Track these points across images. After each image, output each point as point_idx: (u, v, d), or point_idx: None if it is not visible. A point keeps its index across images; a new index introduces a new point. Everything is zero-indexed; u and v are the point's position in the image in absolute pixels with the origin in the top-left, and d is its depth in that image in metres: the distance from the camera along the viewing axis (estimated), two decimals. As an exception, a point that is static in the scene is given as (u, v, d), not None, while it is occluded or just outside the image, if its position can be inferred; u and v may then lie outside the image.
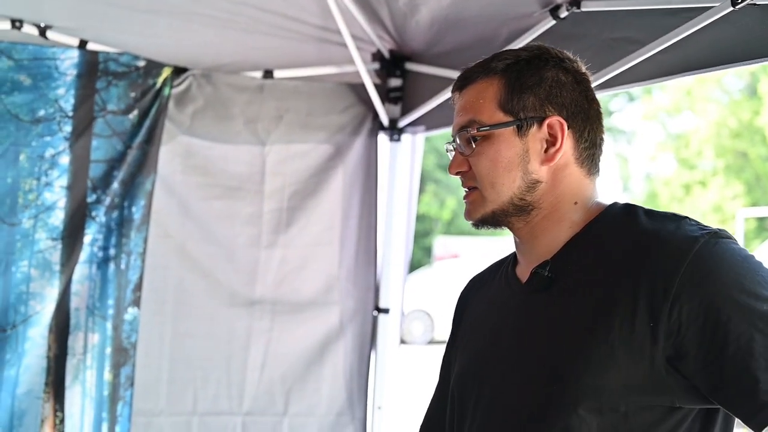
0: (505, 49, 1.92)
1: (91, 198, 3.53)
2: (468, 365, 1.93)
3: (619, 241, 1.68)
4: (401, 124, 4.20)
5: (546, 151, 1.75)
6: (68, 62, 3.49)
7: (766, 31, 2.31)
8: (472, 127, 1.79)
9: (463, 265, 21.45)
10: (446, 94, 3.77)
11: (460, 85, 1.88)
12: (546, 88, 1.77)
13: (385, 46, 4.06)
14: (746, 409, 1.46)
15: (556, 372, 1.64)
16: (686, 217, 1.66)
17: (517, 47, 3.10)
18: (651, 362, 1.53)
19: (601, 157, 1.86)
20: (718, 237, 1.57)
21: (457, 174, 1.88)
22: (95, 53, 3.56)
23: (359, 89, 4.14)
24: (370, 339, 4.19)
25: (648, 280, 1.55)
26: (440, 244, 27.90)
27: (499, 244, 26.02)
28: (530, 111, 1.76)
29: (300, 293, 4.10)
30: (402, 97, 4.24)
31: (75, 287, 3.49)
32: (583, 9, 2.85)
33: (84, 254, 3.52)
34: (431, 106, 3.95)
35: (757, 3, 2.23)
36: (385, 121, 4.19)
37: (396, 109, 4.24)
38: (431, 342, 19.04)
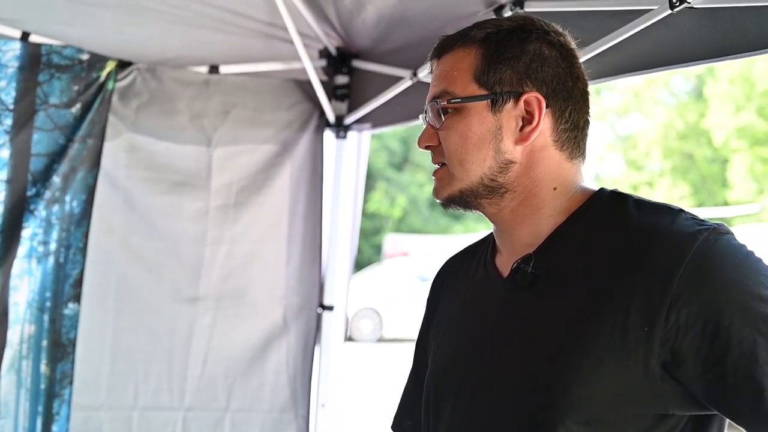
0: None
1: (31, 192, 3.48)
2: (445, 366, 1.80)
3: (609, 235, 1.57)
4: (348, 121, 4.21)
5: (521, 129, 1.63)
6: (10, 54, 3.44)
7: (704, 34, 2.34)
8: (444, 98, 1.68)
9: (412, 263, 21.51)
10: (393, 92, 3.79)
11: (437, 53, 1.76)
12: (526, 61, 1.64)
13: (332, 44, 4.06)
14: (751, 419, 1.37)
15: (541, 381, 1.52)
16: (681, 210, 1.54)
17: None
18: (645, 369, 1.42)
19: (586, 141, 1.73)
20: (718, 233, 1.46)
21: (426, 148, 1.75)
22: (38, 45, 3.51)
23: (306, 86, 4.13)
24: (314, 336, 4.18)
25: (643, 280, 1.44)
26: (390, 241, 27.94)
27: (449, 242, 26.15)
28: (506, 85, 1.63)
29: (245, 289, 4.07)
30: (348, 95, 4.24)
31: (14, 282, 3.44)
32: (527, 9, 2.87)
33: (23, 249, 3.47)
34: (378, 104, 3.96)
35: (695, 6, 2.26)
36: (331, 118, 4.19)
37: (342, 107, 4.24)
38: (380, 340, 19.06)
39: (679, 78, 28.29)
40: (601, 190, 1.68)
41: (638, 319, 1.42)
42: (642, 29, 2.45)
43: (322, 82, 4.09)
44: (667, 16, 2.35)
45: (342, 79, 4.23)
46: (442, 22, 3.35)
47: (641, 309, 1.42)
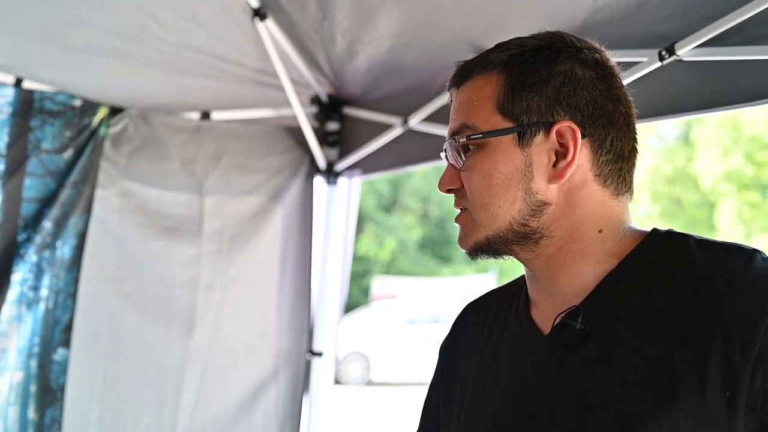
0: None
1: (21, 237, 3.47)
2: None
3: (671, 283, 1.34)
4: (338, 167, 4.22)
5: (555, 165, 1.42)
6: (2, 100, 3.45)
7: (693, 86, 2.37)
8: (463, 134, 1.47)
9: (401, 305, 21.47)
10: (383, 139, 3.81)
11: (456, 81, 1.55)
12: (555, 85, 1.43)
13: (323, 90, 4.09)
14: None
15: None
16: (756, 251, 1.32)
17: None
18: None
19: (633, 173, 1.52)
20: None
21: (448, 191, 1.55)
22: (30, 91, 3.51)
23: (297, 132, 4.14)
24: (303, 383, 4.15)
25: (720, 336, 1.22)
26: (379, 284, 27.90)
27: (438, 285, 26.13)
28: (534, 115, 1.42)
29: (236, 336, 4.04)
30: (339, 141, 4.26)
31: (3, 327, 3.42)
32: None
33: (13, 294, 3.46)
34: (368, 151, 3.98)
35: (684, 59, 2.30)
36: (322, 164, 4.20)
37: (333, 153, 4.26)
38: (368, 384, 18.96)
39: (667, 123, 28.47)
40: (655, 230, 1.46)
41: (717, 383, 1.21)
42: (632, 81, 2.48)
43: (313, 129, 4.11)
44: (656, 68, 2.39)
45: (333, 126, 4.24)
46: (433, 70, 3.39)
47: (720, 371, 1.21)
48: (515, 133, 1.43)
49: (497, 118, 1.45)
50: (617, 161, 1.46)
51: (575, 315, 1.40)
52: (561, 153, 1.42)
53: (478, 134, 1.45)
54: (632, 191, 1.51)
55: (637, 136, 1.52)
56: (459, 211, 1.54)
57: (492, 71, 1.48)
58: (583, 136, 1.42)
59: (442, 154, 1.55)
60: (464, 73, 1.53)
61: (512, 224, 1.44)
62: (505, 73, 1.46)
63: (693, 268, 1.33)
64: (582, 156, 1.43)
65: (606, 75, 1.48)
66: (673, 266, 1.36)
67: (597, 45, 1.52)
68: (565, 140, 1.41)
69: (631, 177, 1.50)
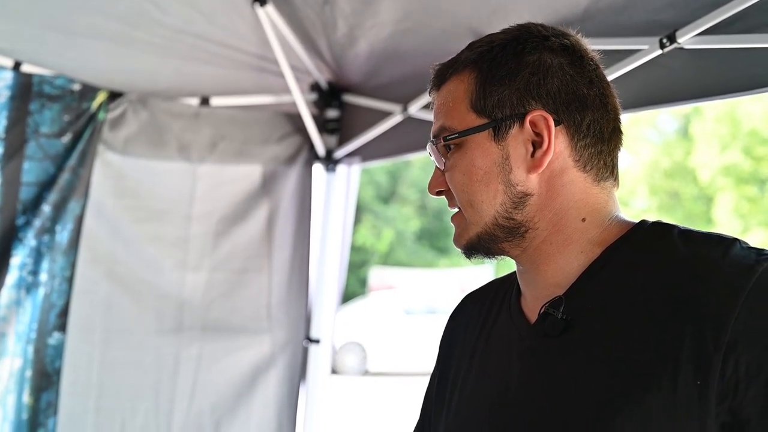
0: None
1: (20, 221, 3.47)
2: (467, 421, 1.57)
3: (650, 272, 1.34)
4: (337, 155, 4.21)
5: (533, 155, 1.42)
6: (1, 84, 3.44)
7: (694, 74, 2.37)
8: (441, 136, 1.49)
9: (398, 296, 21.47)
10: (383, 127, 3.80)
11: (435, 85, 1.57)
12: (525, 76, 1.43)
13: (323, 77, 4.07)
14: None
15: None
16: (736, 240, 1.31)
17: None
18: (700, 431, 1.19)
19: (616, 157, 1.51)
20: None
21: (438, 194, 1.56)
22: (29, 75, 3.51)
23: (296, 119, 4.14)
24: (300, 370, 4.15)
25: (692, 325, 1.22)
26: (376, 275, 27.90)
27: (435, 276, 26.12)
28: (507, 108, 1.43)
29: (229, 320, 4.04)
30: (339, 128, 4.25)
31: (2, 312, 3.42)
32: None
33: (12, 278, 3.45)
34: (368, 138, 3.97)
35: (685, 47, 2.29)
36: (321, 151, 4.20)
37: (332, 140, 4.25)
38: (365, 374, 18.98)
39: (666, 116, 28.47)
40: (642, 221, 1.45)
41: (690, 371, 1.20)
42: (632, 68, 2.47)
43: (313, 116, 4.10)
44: (657, 56, 2.39)
45: (332, 113, 4.24)
46: (433, 57, 3.34)
47: (692, 359, 1.20)
48: (490, 129, 1.44)
49: (472, 116, 1.46)
50: (597, 144, 1.46)
51: (557, 304, 1.41)
52: (537, 142, 1.42)
53: (454, 134, 1.47)
54: (616, 177, 1.51)
55: (619, 117, 1.51)
56: (454, 209, 1.56)
57: (464, 71, 1.49)
58: (558, 122, 1.43)
59: (431, 158, 1.57)
60: (441, 76, 1.55)
61: (497, 218, 1.45)
62: (476, 71, 1.48)
63: (670, 256, 1.34)
64: (559, 143, 1.43)
65: (576, 59, 1.48)
66: (654, 255, 1.37)
67: (567, 30, 1.52)
68: (539, 129, 1.42)
69: (612, 160, 1.50)
